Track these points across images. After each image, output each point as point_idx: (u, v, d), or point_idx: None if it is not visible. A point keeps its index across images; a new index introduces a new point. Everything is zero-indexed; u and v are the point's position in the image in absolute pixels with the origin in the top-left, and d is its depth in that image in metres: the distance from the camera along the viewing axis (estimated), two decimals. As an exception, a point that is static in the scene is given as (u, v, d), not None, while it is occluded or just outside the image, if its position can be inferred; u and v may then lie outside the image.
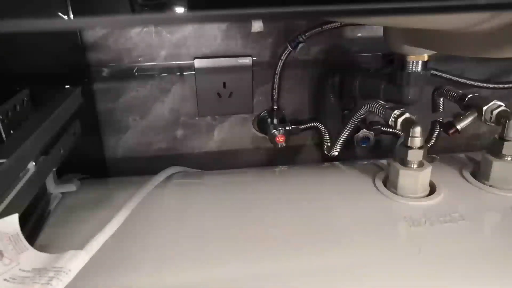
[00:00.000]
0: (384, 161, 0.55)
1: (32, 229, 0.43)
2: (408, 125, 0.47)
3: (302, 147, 0.72)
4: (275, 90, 0.63)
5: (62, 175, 0.52)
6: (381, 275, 0.37)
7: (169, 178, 0.54)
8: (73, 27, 0.51)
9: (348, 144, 0.65)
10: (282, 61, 0.61)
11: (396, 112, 0.48)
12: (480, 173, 0.51)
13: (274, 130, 0.65)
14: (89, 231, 0.41)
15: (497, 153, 0.49)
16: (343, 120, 0.57)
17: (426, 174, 0.47)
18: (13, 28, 0.24)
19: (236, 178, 0.57)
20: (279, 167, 0.61)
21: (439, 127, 0.64)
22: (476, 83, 0.66)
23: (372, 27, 0.63)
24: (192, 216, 0.47)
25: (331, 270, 0.38)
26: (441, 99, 0.61)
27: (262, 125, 0.69)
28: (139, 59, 0.62)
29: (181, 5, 0.46)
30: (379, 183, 0.50)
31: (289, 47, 0.59)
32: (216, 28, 0.62)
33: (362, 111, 0.53)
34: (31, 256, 0.37)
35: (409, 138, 0.47)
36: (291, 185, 0.53)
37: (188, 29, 0.61)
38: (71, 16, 0.54)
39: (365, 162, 0.57)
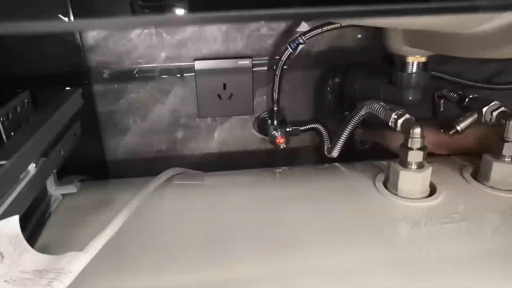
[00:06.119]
0: (384, 162, 0.55)
1: (32, 231, 0.43)
2: (408, 126, 0.47)
3: (303, 148, 0.72)
4: (275, 91, 0.63)
5: (62, 177, 0.52)
6: (382, 276, 0.37)
7: (169, 179, 0.54)
8: (74, 29, 0.51)
9: (348, 145, 0.65)
10: (282, 62, 0.61)
11: (397, 113, 0.48)
12: (480, 174, 0.51)
13: (274, 132, 0.65)
14: (90, 233, 0.41)
15: (497, 154, 0.49)
16: (343, 121, 0.57)
17: (426, 175, 0.47)
18: (14, 30, 0.24)
19: (237, 180, 0.57)
20: (279, 168, 0.61)
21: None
22: (476, 84, 0.66)
23: (372, 28, 0.64)
24: (193, 217, 0.47)
25: (331, 270, 0.38)
26: (441, 100, 0.61)
27: (262, 126, 0.69)
28: (140, 60, 0.62)
29: (181, 7, 0.46)
30: (380, 184, 0.50)
31: (289, 48, 0.59)
32: (216, 29, 0.62)
33: (362, 112, 0.53)
34: (32, 258, 0.37)
35: (409, 139, 0.47)
36: (291, 186, 0.53)
37: (188, 31, 0.61)
38: (72, 18, 0.54)
39: (366, 163, 0.57)
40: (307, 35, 0.58)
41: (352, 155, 0.66)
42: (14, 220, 0.36)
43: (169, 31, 0.61)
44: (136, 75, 0.62)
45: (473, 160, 0.55)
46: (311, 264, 0.39)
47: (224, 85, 0.64)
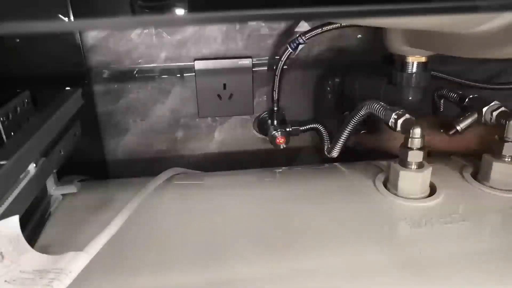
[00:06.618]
0: (384, 162, 0.55)
1: (32, 231, 0.43)
2: (408, 126, 0.47)
3: (303, 148, 0.72)
4: (275, 91, 0.63)
5: (62, 177, 0.52)
6: (382, 276, 0.37)
7: (169, 179, 0.54)
8: (74, 29, 0.51)
9: (348, 145, 0.65)
10: (282, 62, 0.61)
11: (397, 113, 0.48)
12: (480, 174, 0.51)
13: (274, 132, 0.65)
14: (90, 233, 0.41)
15: (497, 154, 0.49)
16: (343, 121, 0.57)
17: (426, 175, 0.47)
18: (15, 30, 0.24)
19: (237, 179, 0.57)
20: (279, 168, 0.61)
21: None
22: (476, 84, 0.66)
23: (372, 28, 0.64)
24: (193, 217, 0.47)
25: (332, 270, 0.38)
26: (441, 100, 0.61)
27: (262, 126, 0.69)
28: (140, 60, 0.62)
29: (181, 7, 0.46)
30: (380, 184, 0.50)
31: (289, 48, 0.59)
32: (216, 29, 0.62)
33: (362, 112, 0.53)
34: (32, 258, 0.37)
35: (409, 139, 0.47)
36: (291, 186, 0.53)
37: (188, 31, 0.61)
38: (72, 18, 0.54)
39: (366, 163, 0.57)
40: (307, 35, 0.58)
41: (352, 155, 0.66)
42: (14, 220, 0.36)
43: (169, 31, 0.61)
44: (136, 75, 0.62)
45: (473, 160, 0.55)
46: (311, 264, 0.39)
47: (224, 85, 0.64)
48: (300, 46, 0.59)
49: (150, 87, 0.64)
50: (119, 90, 0.63)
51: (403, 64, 0.54)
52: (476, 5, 0.28)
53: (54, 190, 0.50)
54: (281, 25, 0.63)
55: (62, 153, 0.49)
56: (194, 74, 0.63)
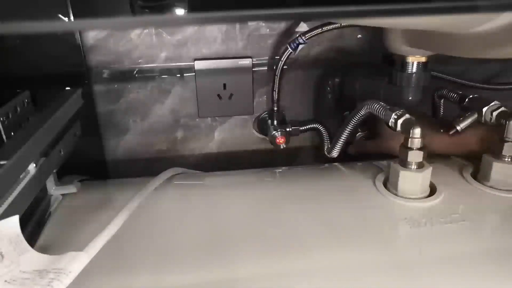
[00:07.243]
0: (384, 162, 0.55)
1: (32, 231, 0.43)
2: (408, 126, 0.47)
3: (303, 148, 0.72)
4: (275, 91, 0.63)
5: (62, 177, 0.52)
6: (382, 276, 0.37)
7: (169, 179, 0.54)
8: (74, 29, 0.51)
9: (348, 145, 0.65)
10: (282, 62, 0.61)
11: (396, 113, 0.48)
12: (480, 174, 0.51)
13: (274, 132, 0.65)
14: (90, 233, 0.41)
15: (497, 154, 0.49)
16: (343, 121, 0.57)
17: (426, 175, 0.47)
18: (15, 30, 0.24)
19: (237, 180, 0.57)
20: (279, 168, 0.61)
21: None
22: (476, 84, 0.66)
23: (372, 28, 0.64)
24: (193, 217, 0.47)
25: (331, 270, 0.38)
26: (442, 100, 0.61)
27: (262, 126, 0.69)
28: (140, 60, 0.62)
29: (181, 7, 0.46)
30: (380, 184, 0.50)
31: (289, 48, 0.59)
32: (216, 29, 0.62)
33: (362, 112, 0.53)
34: (32, 258, 0.37)
35: (409, 139, 0.47)
36: (291, 186, 0.53)
37: (189, 31, 0.61)
38: (72, 18, 0.54)
39: (366, 163, 0.57)
40: (307, 35, 0.58)
41: (352, 155, 0.66)
42: (14, 220, 0.36)
43: (169, 31, 0.61)
44: (136, 75, 0.62)
45: (473, 160, 0.55)
46: (311, 264, 0.39)
47: (224, 85, 0.64)
48: (300, 46, 0.59)
49: (150, 87, 0.64)
50: (119, 90, 0.63)
51: (403, 64, 0.54)
52: (476, 5, 0.28)
53: (54, 190, 0.50)
54: (281, 25, 0.63)
55: (62, 153, 0.49)
56: (194, 74, 0.63)
